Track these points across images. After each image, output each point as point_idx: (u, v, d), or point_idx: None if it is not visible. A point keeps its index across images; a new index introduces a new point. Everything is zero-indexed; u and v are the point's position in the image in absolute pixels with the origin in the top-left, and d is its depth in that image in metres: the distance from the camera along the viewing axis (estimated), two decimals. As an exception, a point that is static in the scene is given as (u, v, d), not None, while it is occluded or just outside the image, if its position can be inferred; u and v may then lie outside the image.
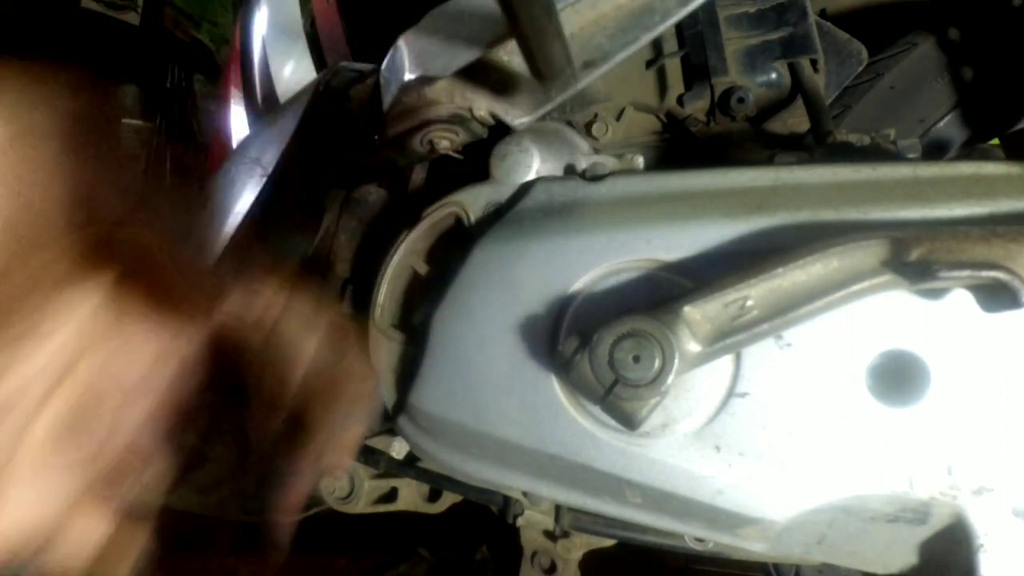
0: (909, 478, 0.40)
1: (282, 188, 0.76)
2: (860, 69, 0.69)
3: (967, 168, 0.42)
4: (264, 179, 0.77)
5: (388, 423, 0.68)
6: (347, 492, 0.77)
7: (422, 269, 0.58)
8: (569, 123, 0.63)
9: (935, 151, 0.78)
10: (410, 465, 0.72)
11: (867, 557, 0.47)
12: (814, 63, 0.62)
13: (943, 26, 0.74)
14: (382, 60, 0.57)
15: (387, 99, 0.53)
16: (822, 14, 0.88)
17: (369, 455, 0.72)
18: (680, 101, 0.61)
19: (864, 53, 0.68)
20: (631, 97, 0.64)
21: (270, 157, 0.77)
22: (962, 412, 0.39)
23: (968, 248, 0.34)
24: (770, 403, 0.41)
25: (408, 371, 0.55)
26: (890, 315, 0.39)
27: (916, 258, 0.34)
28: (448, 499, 0.77)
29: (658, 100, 0.63)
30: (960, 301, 0.39)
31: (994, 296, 0.35)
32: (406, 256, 0.60)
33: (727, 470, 0.42)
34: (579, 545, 0.65)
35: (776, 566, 0.75)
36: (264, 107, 1.24)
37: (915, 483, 0.40)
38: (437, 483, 0.70)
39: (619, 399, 0.39)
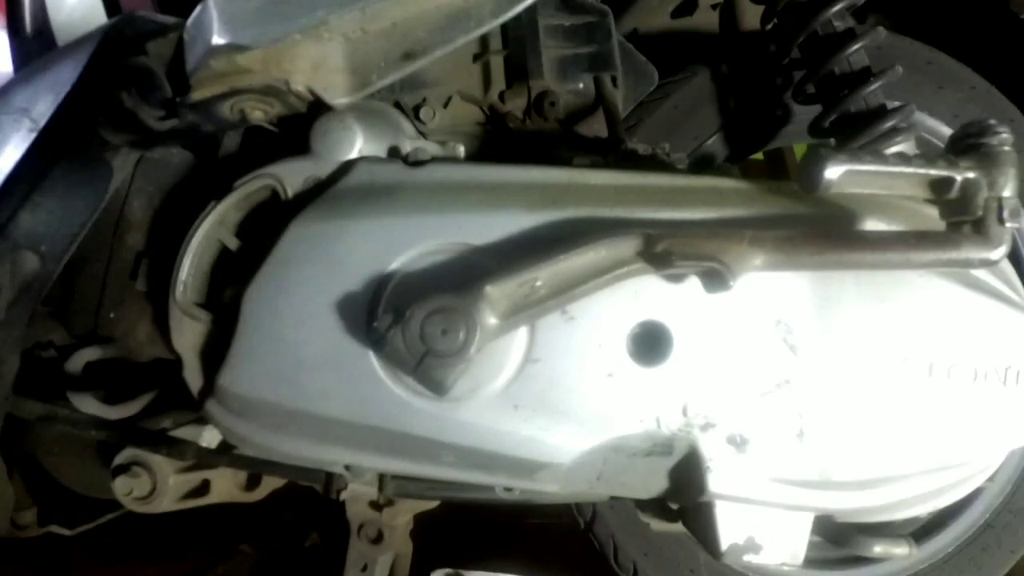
0: (657, 420, 0.51)
1: (57, 145, 0.64)
2: (652, 88, 0.81)
3: (708, 182, 0.55)
4: (33, 133, 0.64)
5: (195, 411, 0.63)
6: (148, 490, 0.69)
7: (232, 243, 0.55)
8: (397, 104, 0.64)
9: (704, 162, 0.96)
10: (224, 453, 0.68)
11: (634, 486, 0.59)
12: (614, 79, 0.72)
13: (717, 61, 0.92)
14: (187, 14, 0.52)
15: (191, 60, 0.49)
16: (634, 32, 1.02)
17: (174, 446, 0.66)
18: (501, 97, 0.67)
19: (656, 75, 0.81)
20: (458, 86, 0.67)
21: (43, 108, 0.64)
22: (695, 367, 0.52)
23: (695, 244, 0.44)
24: (557, 366, 0.49)
25: (216, 352, 0.52)
26: (646, 293, 0.49)
27: (660, 250, 0.44)
28: (268, 485, 0.74)
29: (482, 93, 0.67)
30: (696, 283, 0.51)
31: (712, 280, 0.46)
32: (214, 228, 0.56)
33: (524, 424, 0.49)
34: (404, 511, 0.69)
35: (578, 506, 0.88)
36: (36, 42, 1.00)
37: (661, 423, 0.51)
38: (255, 468, 0.67)
39: (430, 369, 0.43)
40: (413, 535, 0.76)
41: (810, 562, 0.86)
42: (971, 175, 0.45)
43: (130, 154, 0.67)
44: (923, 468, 0.55)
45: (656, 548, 0.86)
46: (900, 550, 0.66)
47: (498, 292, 0.43)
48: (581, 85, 0.69)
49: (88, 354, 0.67)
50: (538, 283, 0.43)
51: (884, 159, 0.45)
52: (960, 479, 0.59)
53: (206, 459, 0.68)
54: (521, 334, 0.48)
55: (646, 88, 0.81)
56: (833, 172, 0.43)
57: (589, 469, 0.54)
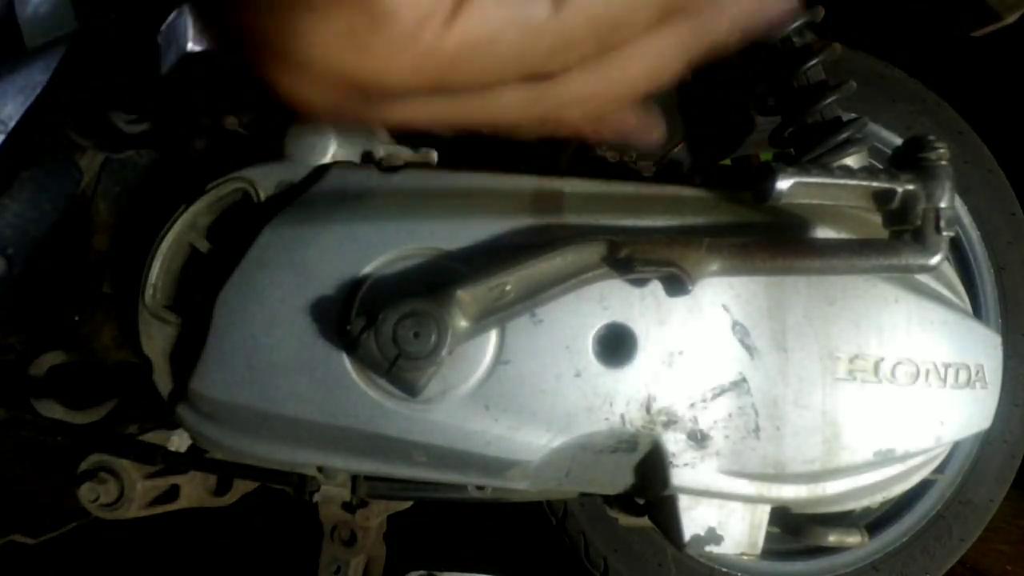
0: (622, 417, 0.53)
1: (26, 147, 0.63)
2: None
3: (671, 190, 0.57)
4: (2, 135, 0.63)
5: (164, 416, 0.63)
6: (115, 496, 0.68)
7: (203, 246, 0.55)
8: None
9: (672, 168, 0.99)
10: (193, 457, 0.68)
11: (602, 482, 0.61)
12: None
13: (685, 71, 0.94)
14: (159, 16, 0.52)
15: (165, 65, 0.49)
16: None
17: (141, 451, 0.66)
18: None
19: None
20: None
21: (12, 110, 0.63)
22: (657, 367, 0.54)
23: (656, 250, 0.47)
24: (526, 367, 0.50)
25: (186, 356, 0.52)
26: (610, 297, 0.51)
27: (623, 256, 0.46)
28: (238, 490, 0.74)
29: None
30: (658, 287, 0.53)
31: (672, 285, 0.48)
32: (185, 231, 0.56)
33: (494, 424, 0.50)
34: (377, 512, 0.69)
35: (549, 504, 0.90)
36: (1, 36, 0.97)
37: (626, 421, 0.54)
38: (226, 472, 0.67)
39: (402, 371, 0.44)
40: (387, 537, 0.77)
41: (769, 553, 0.90)
42: (911, 187, 0.49)
43: (96, 155, 0.67)
44: (870, 461, 0.58)
45: (625, 543, 0.88)
46: (853, 539, 0.69)
47: (469, 296, 0.44)
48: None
49: (52, 358, 0.66)
50: (507, 287, 0.45)
51: (830, 172, 0.48)
52: (906, 471, 0.62)
53: (175, 464, 0.67)
54: (491, 337, 0.49)
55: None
56: (782, 185, 0.46)
57: (558, 466, 0.56)
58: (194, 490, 0.72)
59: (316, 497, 0.65)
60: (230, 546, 1.17)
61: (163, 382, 0.56)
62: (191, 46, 0.48)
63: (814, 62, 0.70)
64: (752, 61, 0.79)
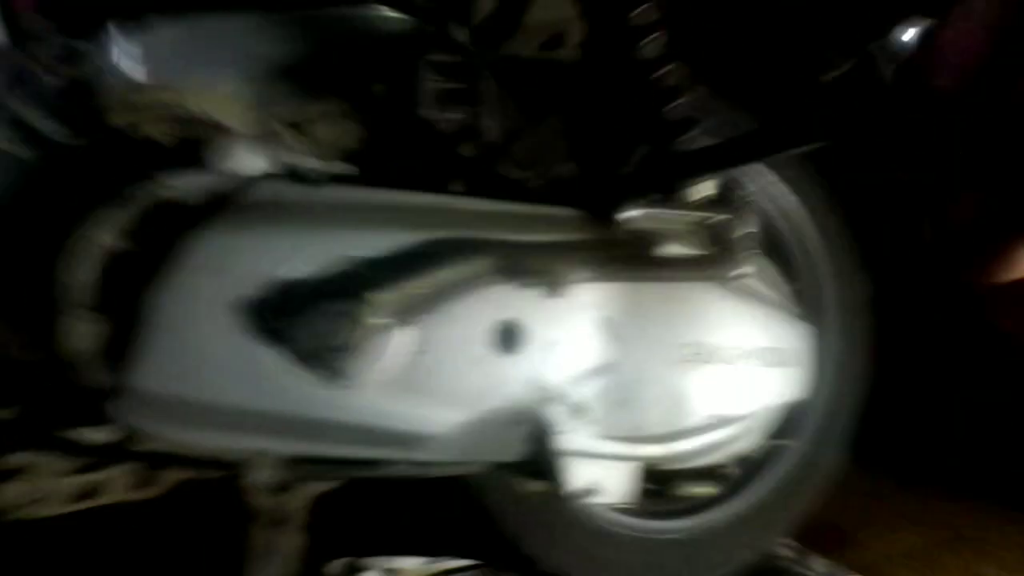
0: (518, 395, 0.65)
1: None
2: (524, 118, 0.93)
3: (547, 210, 0.70)
4: None
5: (86, 412, 0.64)
6: (35, 495, 0.68)
7: (122, 247, 0.58)
8: (291, 124, 0.71)
9: (566, 187, 1.10)
10: (118, 451, 0.69)
11: (505, 452, 0.72)
12: (488, 110, 0.83)
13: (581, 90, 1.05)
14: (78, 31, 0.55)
15: (97, 87, 0.53)
16: (514, 59, 1.12)
17: (64, 448, 0.67)
18: (388, 125, 0.76)
19: (527, 107, 0.92)
20: (347, 108, 0.75)
21: None
22: (544, 354, 0.67)
23: (539, 261, 0.59)
24: (438, 356, 0.61)
25: (116, 353, 0.57)
26: (505, 299, 0.63)
27: (513, 265, 0.58)
28: (165, 481, 0.75)
29: (371, 116, 0.76)
30: (543, 289, 0.65)
31: (552, 288, 0.61)
32: (104, 233, 0.58)
33: (413, 404, 0.60)
34: (304, 494, 0.75)
35: (467, 480, 0.98)
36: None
37: (520, 398, 0.66)
38: (154, 463, 0.70)
39: (324, 361, 0.53)
40: (312, 526, 0.81)
41: (648, 513, 1.04)
42: (727, 216, 0.66)
43: (10, 156, 0.67)
44: (708, 423, 0.75)
45: (534, 511, 0.98)
46: (705, 490, 0.88)
47: (379, 299, 0.54)
48: (460, 115, 0.80)
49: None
50: (416, 291, 0.55)
51: (671, 204, 0.63)
52: (740, 432, 0.80)
53: (98, 458, 0.69)
54: (407, 331, 0.59)
55: (519, 118, 0.93)
56: (631, 212, 0.60)
57: (467, 439, 0.67)
58: (118, 484, 0.74)
59: (245, 481, 0.70)
60: (157, 539, 1.14)
61: (95, 379, 0.59)
62: (121, 72, 0.53)
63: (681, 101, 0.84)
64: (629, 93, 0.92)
